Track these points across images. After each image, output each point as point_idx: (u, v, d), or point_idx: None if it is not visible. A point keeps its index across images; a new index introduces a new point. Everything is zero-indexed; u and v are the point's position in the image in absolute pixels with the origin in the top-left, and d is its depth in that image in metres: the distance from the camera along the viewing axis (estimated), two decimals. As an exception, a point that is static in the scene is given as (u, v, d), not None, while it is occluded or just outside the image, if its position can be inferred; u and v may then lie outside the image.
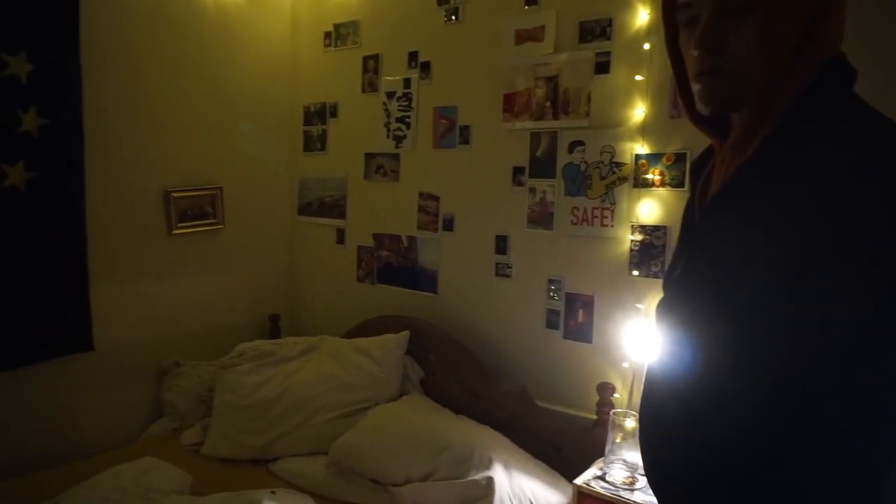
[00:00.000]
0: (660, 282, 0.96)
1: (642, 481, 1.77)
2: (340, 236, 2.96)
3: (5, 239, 2.21)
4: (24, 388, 2.35)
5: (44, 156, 2.27)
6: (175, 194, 2.70)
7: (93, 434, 2.54)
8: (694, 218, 0.83)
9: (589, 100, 2.14)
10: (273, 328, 3.05)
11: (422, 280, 2.64)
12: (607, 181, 2.11)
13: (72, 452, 2.45)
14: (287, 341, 2.62)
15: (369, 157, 2.80)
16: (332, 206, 2.99)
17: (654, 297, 1.96)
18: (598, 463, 1.91)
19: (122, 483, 1.99)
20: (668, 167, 1.98)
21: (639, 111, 2.04)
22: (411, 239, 2.66)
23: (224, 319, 2.98)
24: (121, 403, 2.65)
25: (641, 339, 2.01)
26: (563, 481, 1.99)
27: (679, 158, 1.95)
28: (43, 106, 2.24)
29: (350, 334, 2.70)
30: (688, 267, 0.79)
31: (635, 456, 1.81)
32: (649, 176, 2.02)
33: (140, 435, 2.66)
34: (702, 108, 0.77)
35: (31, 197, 2.25)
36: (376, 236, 2.79)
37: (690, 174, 0.97)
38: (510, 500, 1.85)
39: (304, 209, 3.12)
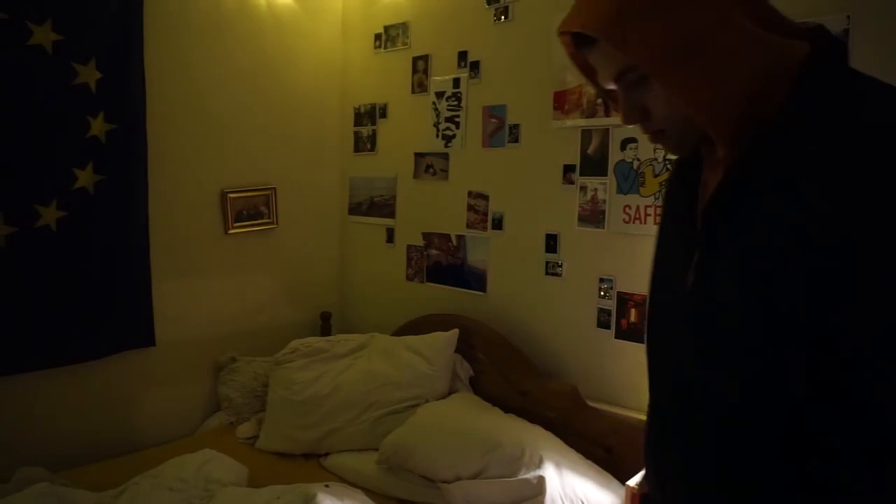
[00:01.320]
0: None
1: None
2: (390, 235, 2.99)
3: (76, 239, 2.32)
4: (92, 381, 2.47)
5: (110, 159, 2.37)
6: (231, 195, 2.79)
7: (154, 426, 2.65)
8: (684, 223, 0.77)
9: (641, 96, 2.10)
10: (324, 326, 3.11)
11: (471, 279, 2.64)
12: (660, 178, 2.07)
13: (135, 443, 2.57)
14: (338, 338, 2.67)
15: (419, 156, 2.82)
16: (381, 206, 3.03)
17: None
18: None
19: (184, 474, 2.06)
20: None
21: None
22: (460, 238, 2.67)
23: (277, 317, 3.06)
24: (180, 397, 2.75)
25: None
26: (616, 482, 1.96)
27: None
28: (110, 112, 2.35)
29: (399, 332, 2.73)
30: (710, 276, 0.71)
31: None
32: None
33: (198, 428, 2.76)
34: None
35: (98, 199, 2.36)
36: (426, 235, 2.81)
37: (672, 178, 0.87)
38: (561, 500, 1.83)
39: (355, 209, 3.17)
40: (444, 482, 1.94)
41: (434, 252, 2.78)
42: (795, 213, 0.61)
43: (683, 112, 0.67)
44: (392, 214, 2.98)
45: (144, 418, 2.64)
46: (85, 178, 2.31)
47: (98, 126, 2.32)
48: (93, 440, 2.46)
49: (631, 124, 0.72)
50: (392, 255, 2.98)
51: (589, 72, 0.75)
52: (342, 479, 2.18)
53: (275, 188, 2.95)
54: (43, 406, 2.35)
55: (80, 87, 2.26)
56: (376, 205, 3.05)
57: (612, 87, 0.72)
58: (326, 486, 1.97)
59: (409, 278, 2.91)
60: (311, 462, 2.38)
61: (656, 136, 0.73)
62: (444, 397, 2.38)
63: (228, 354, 2.84)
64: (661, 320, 0.82)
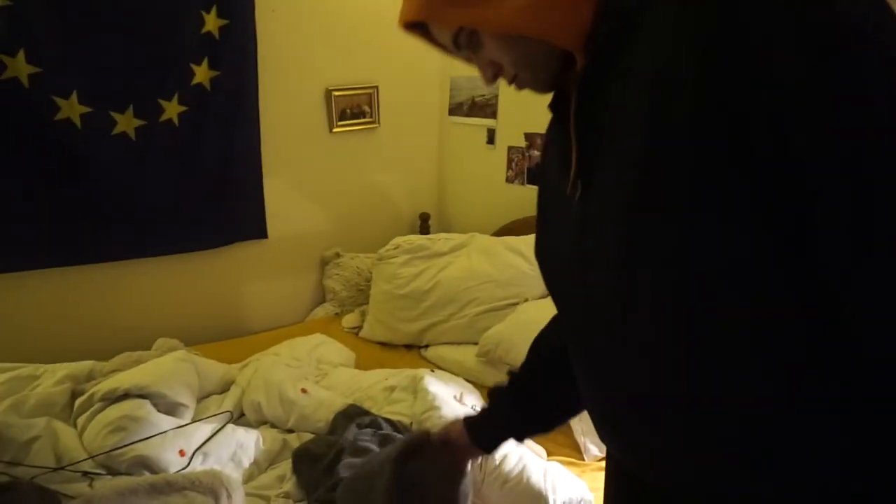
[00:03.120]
0: None
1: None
2: (491, 136, 2.94)
3: (196, 133, 2.44)
4: (209, 269, 2.67)
5: (224, 55, 2.43)
6: (336, 93, 2.82)
7: (265, 313, 2.86)
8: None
9: None
10: (423, 226, 3.17)
11: (573, 182, 2.57)
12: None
13: (250, 328, 2.79)
14: (440, 237, 2.72)
15: (524, 53, 2.71)
16: (483, 106, 2.97)
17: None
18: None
19: (298, 353, 2.23)
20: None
21: None
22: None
23: (379, 215, 3.14)
24: (289, 287, 2.93)
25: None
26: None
27: None
28: (221, 7, 2.38)
29: (498, 234, 2.74)
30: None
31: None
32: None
33: (306, 317, 2.95)
34: None
35: (214, 94, 2.44)
36: (528, 136, 2.74)
37: (549, 127, 0.82)
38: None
39: (455, 109, 3.13)
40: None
41: (536, 154, 2.72)
42: (651, 73, 0.57)
43: (519, 50, 0.67)
44: (493, 115, 2.91)
45: (257, 305, 2.84)
46: (202, 73, 2.40)
47: (212, 22, 2.37)
48: (213, 322, 2.70)
49: (492, 82, 0.73)
50: (492, 156, 2.95)
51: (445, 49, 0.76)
52: (442, 369, 2.28)
53: (377, 87, 2.94)
54: (169, 289, 2.58)
55: (193, -18, 2.31)
56: (477, 105, 2.99)
57: (463, 55, 0.73)
58: (431, 370, 2.07)
59: (510, 180, 2.88)
60: (412, 352, 2.50)
61: (516, 82, 0.72)
62: (544, 297, 2.40)
63: (333, 249, 2.98)
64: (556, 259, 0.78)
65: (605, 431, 0.77)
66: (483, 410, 1.07)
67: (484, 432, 1.01)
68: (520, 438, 1.06)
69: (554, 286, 0.80)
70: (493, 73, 0.72)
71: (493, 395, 1.04)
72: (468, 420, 1.02)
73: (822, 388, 0.56)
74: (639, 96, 0.58)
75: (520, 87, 0.72)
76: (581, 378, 0.77)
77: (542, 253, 0.82)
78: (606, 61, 0.62)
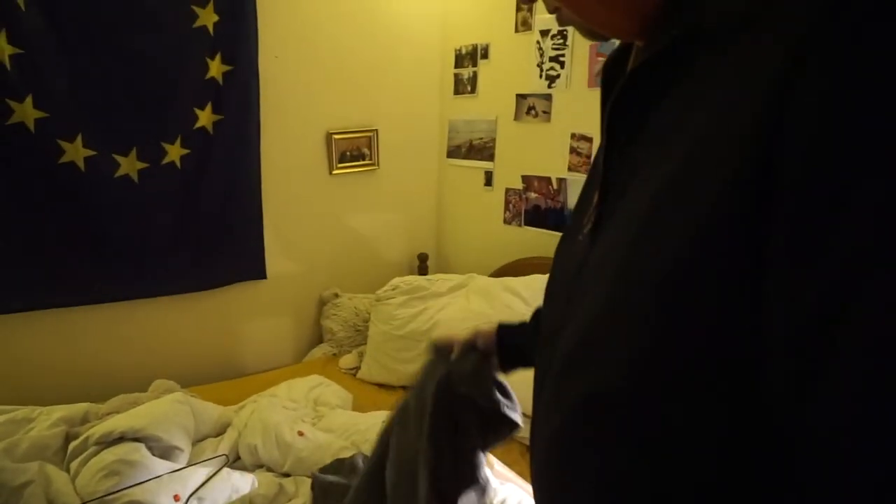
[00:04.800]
0: None
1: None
2: (488, 178, 2.99)
3: (197, 176, 2.48)
4: (208, 309, 2.67)
5: (227, 100, 2.48)
6: (336, 136, 2.87)
7: (263, 353, 2.85)
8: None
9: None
10: (421, 267, 3.19)
11: (570, 223, 2.60)
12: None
13: (247, 367, 2.78)
14: (438, 277, 2.73)
15: (520, 98, 2.77)
16: (480, 149, 3.02)
17: None
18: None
19: (295, 395, 2.22)
20: None
21: None
22: (561, 181, 2.63)
23: (378, 256, 3.17)
24: (287, 328, 2.93)
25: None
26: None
27: None
28: (226, 53, 2.45)
29: (496, 275, 2.75)
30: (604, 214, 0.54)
31: None
32: None
33: (303, 357, 2.94)
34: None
35: (217, 138, 2.49)
36: (525, 178, 2.78)
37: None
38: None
39: (453, 152, 3.18)
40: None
41: (533, 195, 2.76)
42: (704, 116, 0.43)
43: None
44: (491, 157, 2.96)
45: (257, 345, 2.84)
46: (205, 117, 2.45)
47: (216, 68, 2.43)
48: (210, 363, 2.69)
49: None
50: (490, 198, 2.99)
51: None
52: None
53: (377, 130, 3.00)
54: (167, 330, 2.58)
55: (199, 30, 2.37)
56: (475, 148, 3.05)
57: None
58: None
59: (507, 221, 2.91)
60: (410, 393, 2.48)
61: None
62: (540, 339, 2.40)
63: (331, 290, 2.98)
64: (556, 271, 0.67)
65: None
66: (521, 323, 0.95)
67: (511, 343, 0.92)
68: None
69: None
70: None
71: (536, 316, 0.92)
72: (502, 325, 0.94)
73: None
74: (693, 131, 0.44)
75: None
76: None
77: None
78: (663, 69, 0.48)
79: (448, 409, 0.90)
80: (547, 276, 0.70)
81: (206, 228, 2.55)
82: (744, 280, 0.38)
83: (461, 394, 0.89)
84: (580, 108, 2.53)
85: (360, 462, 1.68)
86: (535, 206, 2.76)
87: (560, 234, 0.69)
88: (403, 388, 2.50)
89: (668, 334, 0.42)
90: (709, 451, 0.42)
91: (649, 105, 0.50)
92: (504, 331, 0.94)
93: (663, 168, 0.45)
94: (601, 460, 0.49)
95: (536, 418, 0.63)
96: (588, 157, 2.51)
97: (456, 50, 3.09)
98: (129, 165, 2.31)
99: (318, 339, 3.01)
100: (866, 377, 0.33)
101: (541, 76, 2.66)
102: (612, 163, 0.54)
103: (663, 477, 0.45)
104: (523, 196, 2.81)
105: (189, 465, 1.78)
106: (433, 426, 0.89)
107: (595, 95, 2.50)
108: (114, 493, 1.55)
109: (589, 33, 0.58)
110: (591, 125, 2.50)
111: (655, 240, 0.44)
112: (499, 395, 0.88)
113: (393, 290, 2.67)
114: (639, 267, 0.45)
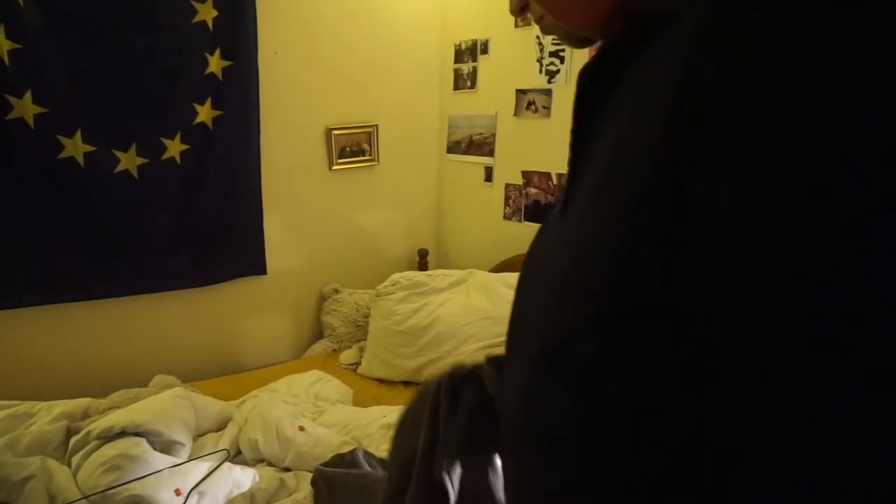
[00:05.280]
0: None
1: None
2: (488, 174, 2.99)
3: (197, 171, 2.48)
4: (208, 305, 2.67)
5: (227, 95, 2.48)
6: (336, 131, 2.87)
7: (264, 348, 2.85)
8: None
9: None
10: (421, 262, 3.19)
11: (570, 218, 2.60)
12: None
13: (248, 363, 2.79)
14: (438, 273, 2.73)
15: (520, 93, 2.77)
16: (480, 144, 3.02)
17: None
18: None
19: (295, 390, 2.23)
20: None
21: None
22: (561, 176, 2.63)
23: (377, 251, 3.17)
24: (288, 323, 2.94)
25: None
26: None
27: None
28: (225, 49, 2.44)
29: (496, 270, 2.76)
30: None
31: None
32: None
33: (304, 352, 2.94)
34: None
35: (216, 133, 2.49)
36: (525, 174, 2.78)
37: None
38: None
39: (453, 147, 3.18)
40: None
41: (533, 191, 2.76)
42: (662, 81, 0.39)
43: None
44: (491, 153, 2.96)
45: (257, 341, 2.84)
46: (204, 113, 2.45)
47: (215, 63, 2.43)
48: (211, 358, 2.69)
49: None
50: (490, 193, 2.99)
51: None
52: (440, 406, 2.27)
53: (376, 125, 3.00)
54: (168, 325, 2.58)
55: (198, 26, 2.37)
56: (475, 143, 3.05)
57: None
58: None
59: (507, 217, 2.91)
60: (410, 388, 2.49)
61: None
62: (540, 334, 2.41)
63: (332, 285, 2.99)
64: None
65: None
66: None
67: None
68: None
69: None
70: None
71: None
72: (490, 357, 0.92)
73: None
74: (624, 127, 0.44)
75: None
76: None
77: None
78: (612, 59, 0.48)
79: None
80: None
81: (206, 224, 2.55)
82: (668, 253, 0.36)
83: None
84: (580, 103, 2.53)
85: (360, 457, 1.68)
86: (535, 201, 2.76)
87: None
88: (404, 383, 2.51)
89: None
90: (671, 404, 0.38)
91: (604, 98, 0.50)
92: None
93: (598, 158, 0.47)
94: (561, 414, 0.47)
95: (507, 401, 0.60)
96: (588, 152, 2.51)
97: (455, 45, 3.08)
98: (128, 161, 2.31)
99: (319, 334, 3.01)
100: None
101: (541, 71, 2.65)
102: (577, 150, 0.55)
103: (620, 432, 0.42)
104: (523, 191, 2.81)
105: (190, 459, 1.78)
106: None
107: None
108: (115, 487, 1.56)
109: (576, 40, 0.58)
110: (591, 120, 2.49)
111: (598, 216, 0.44)
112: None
113: (393, 285, 2.67)
114: (585, 246, 0.45)
